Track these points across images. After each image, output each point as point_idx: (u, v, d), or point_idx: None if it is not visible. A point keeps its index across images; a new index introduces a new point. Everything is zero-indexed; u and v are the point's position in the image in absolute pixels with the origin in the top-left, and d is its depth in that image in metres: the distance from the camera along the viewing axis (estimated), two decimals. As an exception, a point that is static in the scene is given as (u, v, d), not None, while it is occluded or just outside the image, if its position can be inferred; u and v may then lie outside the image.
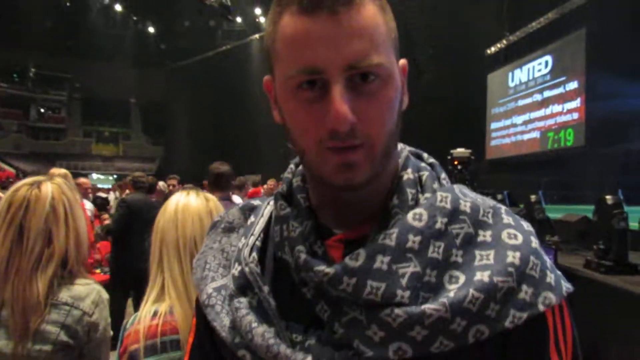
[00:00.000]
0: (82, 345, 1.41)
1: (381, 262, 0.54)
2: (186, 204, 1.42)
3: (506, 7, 15.76)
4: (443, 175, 0.65)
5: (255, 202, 0.75)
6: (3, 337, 1.33)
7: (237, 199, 5.69)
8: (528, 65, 14.97)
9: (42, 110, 37.24)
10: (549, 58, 14.05)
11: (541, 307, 0.54)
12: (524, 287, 0.54)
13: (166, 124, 35.34)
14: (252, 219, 0.70)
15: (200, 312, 0.68)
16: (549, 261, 0.58)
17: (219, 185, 3.72)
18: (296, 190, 0.66)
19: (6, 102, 35.40)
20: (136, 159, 38.32)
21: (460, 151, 6.82)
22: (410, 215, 0.57)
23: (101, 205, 7.81)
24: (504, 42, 16.27)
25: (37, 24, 28.39)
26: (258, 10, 26.35)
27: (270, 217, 0.69)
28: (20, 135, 35.53)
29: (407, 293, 0.53)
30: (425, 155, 0.70)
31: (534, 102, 14.70)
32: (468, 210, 0.59)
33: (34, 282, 1.36)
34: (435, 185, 0.62)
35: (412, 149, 0.70)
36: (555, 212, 6.48)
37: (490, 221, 0.59)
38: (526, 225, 0.60)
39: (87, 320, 1.40)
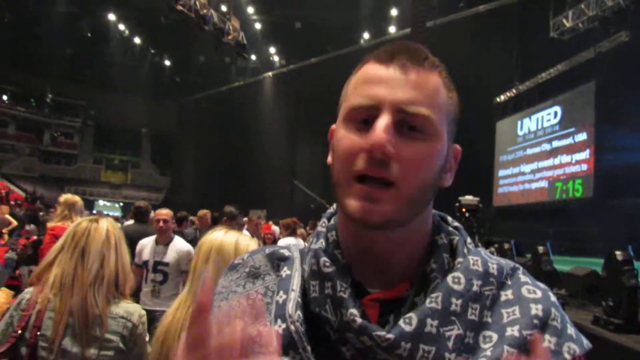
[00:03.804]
0: (129, 352, 1.74)
1: (431, 325, 0.56)
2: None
3: (516, 57, 16.04)
4: (469, 239, 0.68)
5: (285, 252, 0.71)
6: (70, 340, 1.64)
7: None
8: (537, 115, 15.11)
9: (55, 135, 37.77)
10: (558, 109, 14.19)
11: (567, 356, 0.55)
12: (547, 336, 0.56)
13: (175, 155, 35.73)
14: (286, 271, 0.67)
15: None
16: (567, 316, 0.61)
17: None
18: (332, 245, 0.67)
19: (21, 126, 36.11)
20: (143, 188, 38.47)
21: (468, 199, 6.72)
22: (449, 279, 0.59)
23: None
24: (514, 91, 16.47)
25: (57, 52, 29.14)
26: (272, 49, 27.00)
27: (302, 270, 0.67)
28: (32, 159, 35.95)
29: (453, 355, 0.55)
30: (449, 218, 0.73)
31: (543, 151, 14.75)
32: (495, 272, 0.62)
33: (94, 295, 1.69)
34: (465, 250, 0.65)
35: (436, 212, 0.72)
36: (562, 264, 6.35)
37: (509, 282, 0.62)
38: (542, 284, 0.63)
39: (135, 331, 1.75)
